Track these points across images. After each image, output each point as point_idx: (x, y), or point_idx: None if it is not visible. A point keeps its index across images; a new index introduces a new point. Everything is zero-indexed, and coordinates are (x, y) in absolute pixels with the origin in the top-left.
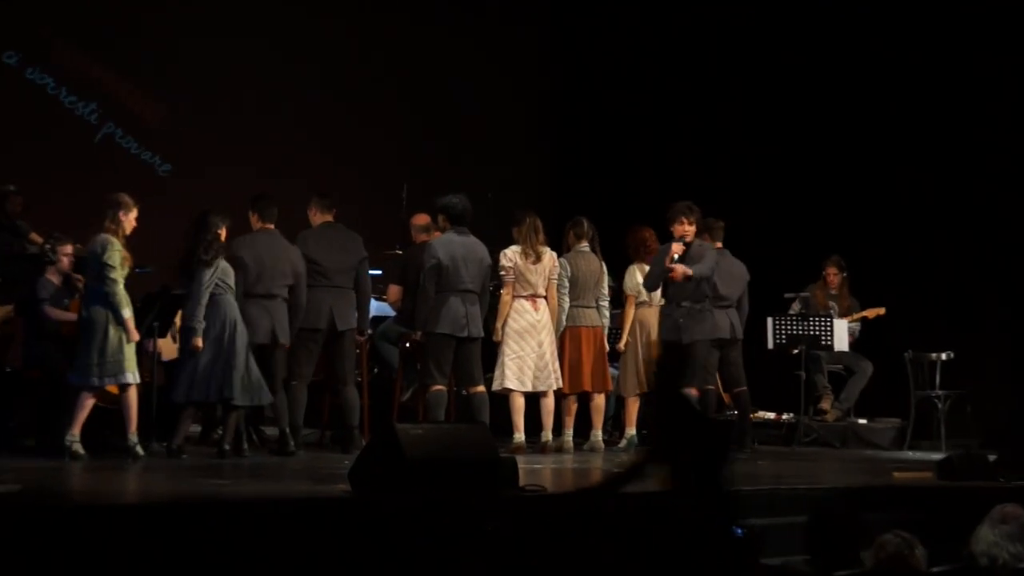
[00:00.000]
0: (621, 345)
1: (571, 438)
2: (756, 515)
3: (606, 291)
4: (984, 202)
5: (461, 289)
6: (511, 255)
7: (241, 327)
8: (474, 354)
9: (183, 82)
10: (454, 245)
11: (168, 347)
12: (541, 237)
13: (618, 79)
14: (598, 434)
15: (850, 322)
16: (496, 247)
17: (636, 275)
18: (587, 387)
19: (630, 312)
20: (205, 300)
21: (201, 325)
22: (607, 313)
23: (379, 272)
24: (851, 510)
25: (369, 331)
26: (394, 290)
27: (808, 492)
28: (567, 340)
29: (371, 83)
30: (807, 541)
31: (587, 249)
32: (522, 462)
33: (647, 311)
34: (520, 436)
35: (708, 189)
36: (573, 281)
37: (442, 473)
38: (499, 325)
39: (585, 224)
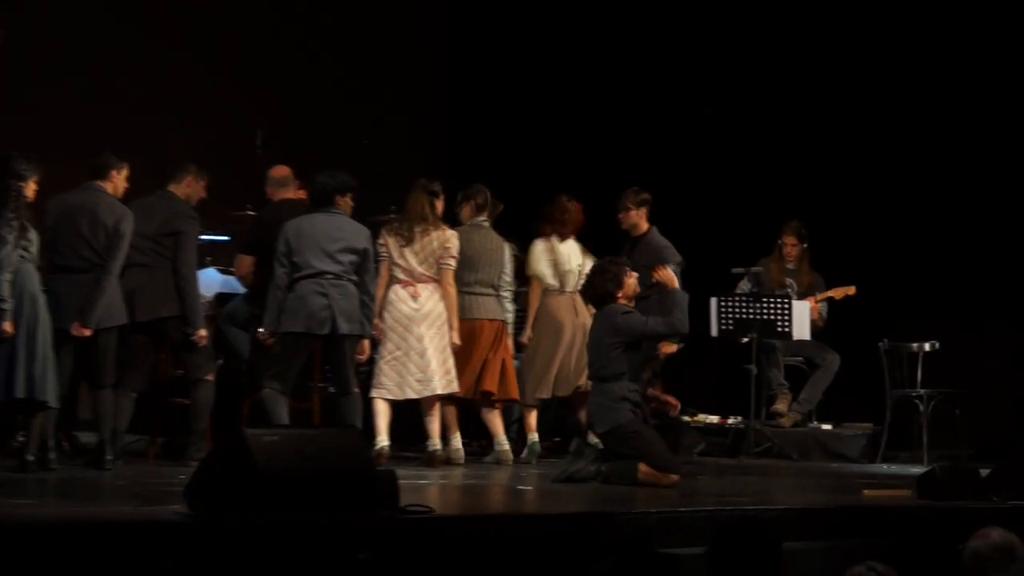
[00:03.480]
0: (526, 337)
1: (461, 445)
2: (693, 542)
3: (510, 278)
4: (978, 158)
5: (315, 273)
6: (385, 233)
7: (43, 305)
8: (347, 356)
9: None
10: (305, 221)
11: None
12: (427, 212)
13: (531, 13)
14: (502, 441)
15: (813, 304)
16: (374, 206)
17: (541, 254)
18: (489, 387)
19: (535, 298)
20: (10, 272)
21: (8, 305)
22: (510, 306)
23: (227, 239)
24: (765, 535)
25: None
26: (244, 261)
27: (758, 514)
28: (467, 332)
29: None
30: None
31: (486, 224)
32: (404, 477)
33: (558, 300)
34: (384, 440)
35: (631, 145)
36: (465, 262)
37: (303, 489)
38: (377, 313)
39: (487, 194)
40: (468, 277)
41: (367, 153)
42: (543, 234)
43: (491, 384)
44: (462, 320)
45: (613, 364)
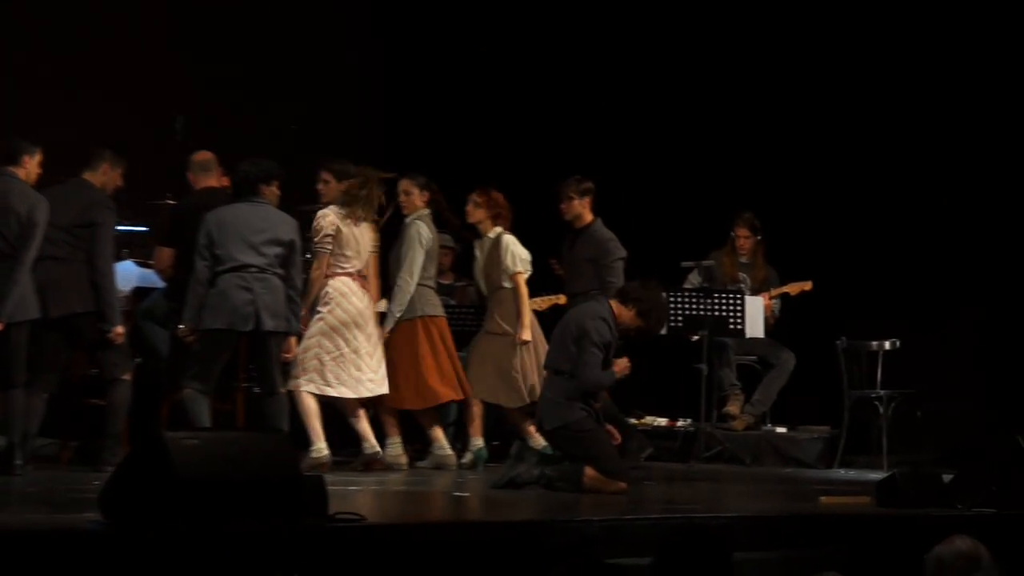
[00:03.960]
0: (527, 334)
1: (402, 450)
2: (639, 552)
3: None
4: (939, 148)
5: (238, 266)
6: (333, 217)
7: None
8: (272, 354)
9: None
10: (227, 211)
11: None
12: (376, 201)
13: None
14: (444, 444)
15: (766, 300)
16: (303, 195)
17: (519, 246)
18: (465, 393)
19: (525, 294)
20: None
21: None
22: None
23: (145, 229)
24: (714, 544)
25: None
26: (164, 253)
27: (708, 522)
28: (423, 335)
29: None
30: None
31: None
32: (333, 483)
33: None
34: (323, 446)
35: (573, 132)
36: (429, 254)
37: (225, 496)
38: (305, 311)
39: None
40: (431, 270)
41: (295, 139)
42: (502, 225)
43: (465, 389)
44: (431, 317)
45: (575, 359)
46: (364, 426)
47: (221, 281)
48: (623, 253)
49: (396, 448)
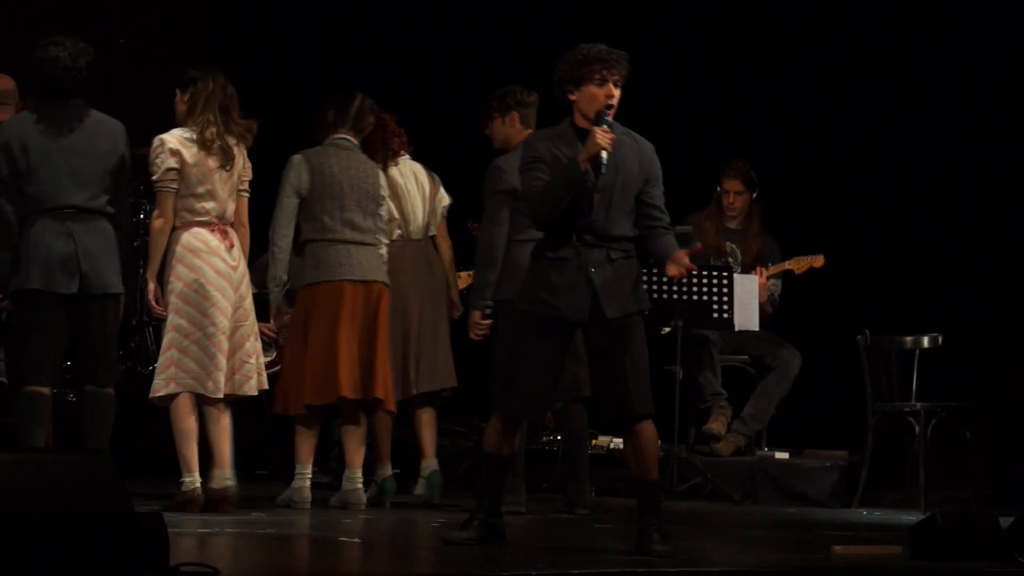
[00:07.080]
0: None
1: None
2: None
3: (385, 217)
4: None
5: (61, 206)
6: (176, 143)
7: None
8: (103, 325)
9: None
10: (39, 127)
11: None
12: (234, 112)
13: None
14: (354, 476)
15: (762, 279)
16: (137, 128)
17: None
18: (377, 393)
19: (448, 248)
20: None
21: None
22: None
23: None
24: None
25: None
26: None
27: None
28: (308, 306)
29: None
30: None
31: (351, 143)
32: (174, 523)
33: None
34: (194, 479)
35: (511, 56)
36: (322, 193)
37: (30, 540)
38: (151, 274)
39: (360, 100)
40: (335, 217)
41: (124, 56)
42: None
43: (378, 389)
44: (326, 284)
45: None
46: (223, 441)
47: (37, 224)
48: None
49: (306, 476)
